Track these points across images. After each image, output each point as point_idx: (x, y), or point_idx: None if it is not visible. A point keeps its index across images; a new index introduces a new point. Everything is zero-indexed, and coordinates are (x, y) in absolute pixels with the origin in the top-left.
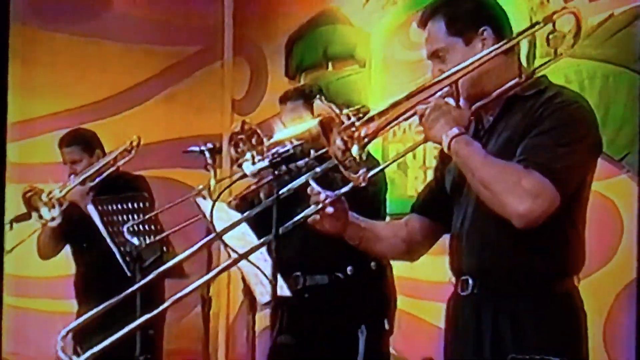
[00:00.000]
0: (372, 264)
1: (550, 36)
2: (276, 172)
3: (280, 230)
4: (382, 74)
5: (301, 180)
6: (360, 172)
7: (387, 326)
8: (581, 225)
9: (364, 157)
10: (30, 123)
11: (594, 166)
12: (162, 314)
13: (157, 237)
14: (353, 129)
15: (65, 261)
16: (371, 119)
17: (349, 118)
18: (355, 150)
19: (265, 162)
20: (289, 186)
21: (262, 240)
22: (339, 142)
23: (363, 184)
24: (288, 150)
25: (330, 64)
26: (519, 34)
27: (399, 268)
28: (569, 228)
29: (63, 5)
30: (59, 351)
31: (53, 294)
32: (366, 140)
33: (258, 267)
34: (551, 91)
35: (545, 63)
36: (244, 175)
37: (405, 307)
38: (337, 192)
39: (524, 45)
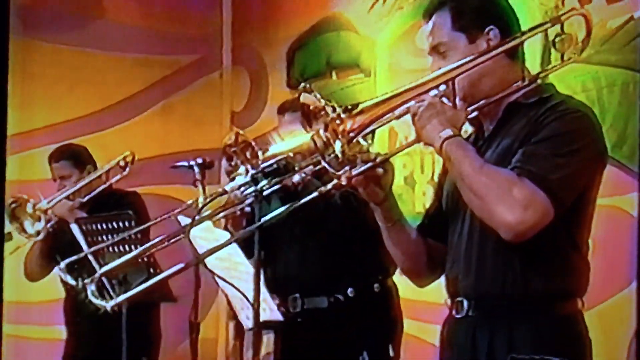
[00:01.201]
0: (376, 285)
1: (557, 39)
2: (258, 188)
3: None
4: (389, 83)
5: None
6: (343, 170)
7: (392, 352)
8: (584, 243)
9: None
10: (18, 138)
11: (598, 180)
12: (156, 341)
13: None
14: (338, 121)
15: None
16: (359, 113)
17: (335, 110)
18: (338, 146)
19: (247, 178)
20: (272, 188)
21: (235, 236)
22: (322, 133)
23: (344, 182)
24: (272, 165)
25: (334, 73)
26: (523, 33)
27: (405, 290)
28: (569, 246)
29: (51, 14)
30: None
31: (51, 321)
32: (352, 135)
33: (237, 288)
34: (555, 100)
35: (550, 68)
36: (224, 192)
37: (413, 331)
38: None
39: (537, 50)
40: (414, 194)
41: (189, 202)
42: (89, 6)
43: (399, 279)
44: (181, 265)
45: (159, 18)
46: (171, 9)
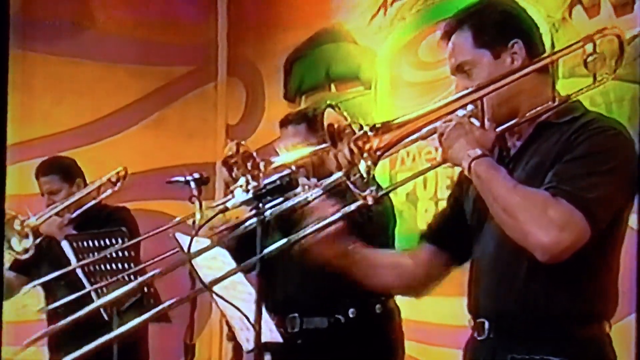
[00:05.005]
0: (377, 306)
1: (590, 59)
2: (260, 206)
3: (264, 255)
4: (389, 96)
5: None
6: (369, 190)
7: None
8: (615, 264)
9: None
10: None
11: (632, 200)
12: None
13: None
14: (365, 139)
15: None
16: (387, 129)
17: (361, 128)
18: (363, 166)
19: (249, 195)
20: (276, 208)
21: (241, 265)
22: (347, 153)
23: (370, 202)
24: (274, 182)
25: (332, 86)
26: (554, 53)
27: (407, 310)
28: (600, 267)
29: (38, 23)
30: None
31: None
32: (378, 153)
33: (238, 308)
34: (587, 117)
35: (585, 88)
36: (225, 209)
37: (415, 353)
38: (343, 209)
39: None
40: (416, 211)
41: (178, 218)
42: (80, 16)
43: (401, 300)
44: (190, 292)
45: (152, 28)
46: (164, 18)
